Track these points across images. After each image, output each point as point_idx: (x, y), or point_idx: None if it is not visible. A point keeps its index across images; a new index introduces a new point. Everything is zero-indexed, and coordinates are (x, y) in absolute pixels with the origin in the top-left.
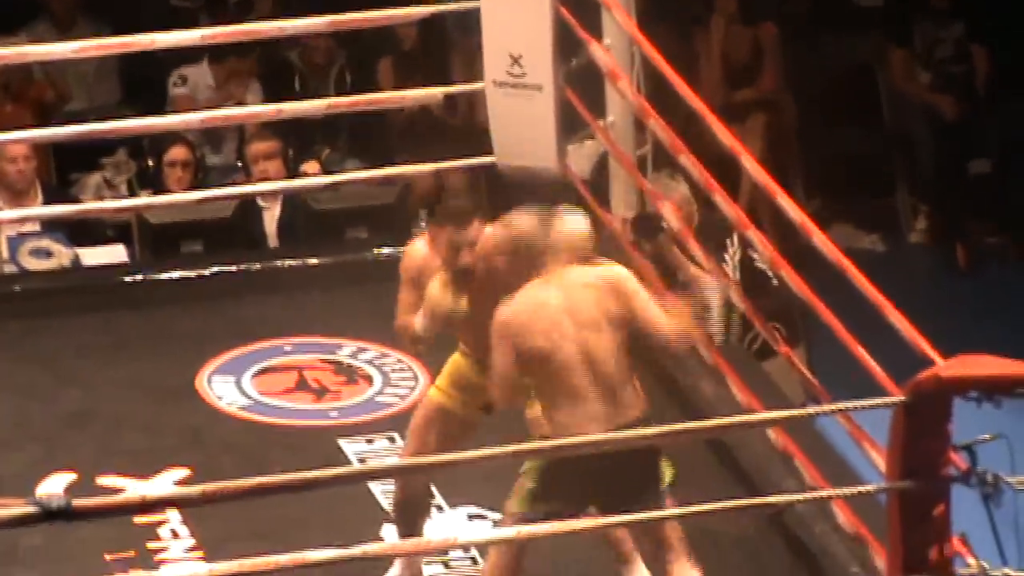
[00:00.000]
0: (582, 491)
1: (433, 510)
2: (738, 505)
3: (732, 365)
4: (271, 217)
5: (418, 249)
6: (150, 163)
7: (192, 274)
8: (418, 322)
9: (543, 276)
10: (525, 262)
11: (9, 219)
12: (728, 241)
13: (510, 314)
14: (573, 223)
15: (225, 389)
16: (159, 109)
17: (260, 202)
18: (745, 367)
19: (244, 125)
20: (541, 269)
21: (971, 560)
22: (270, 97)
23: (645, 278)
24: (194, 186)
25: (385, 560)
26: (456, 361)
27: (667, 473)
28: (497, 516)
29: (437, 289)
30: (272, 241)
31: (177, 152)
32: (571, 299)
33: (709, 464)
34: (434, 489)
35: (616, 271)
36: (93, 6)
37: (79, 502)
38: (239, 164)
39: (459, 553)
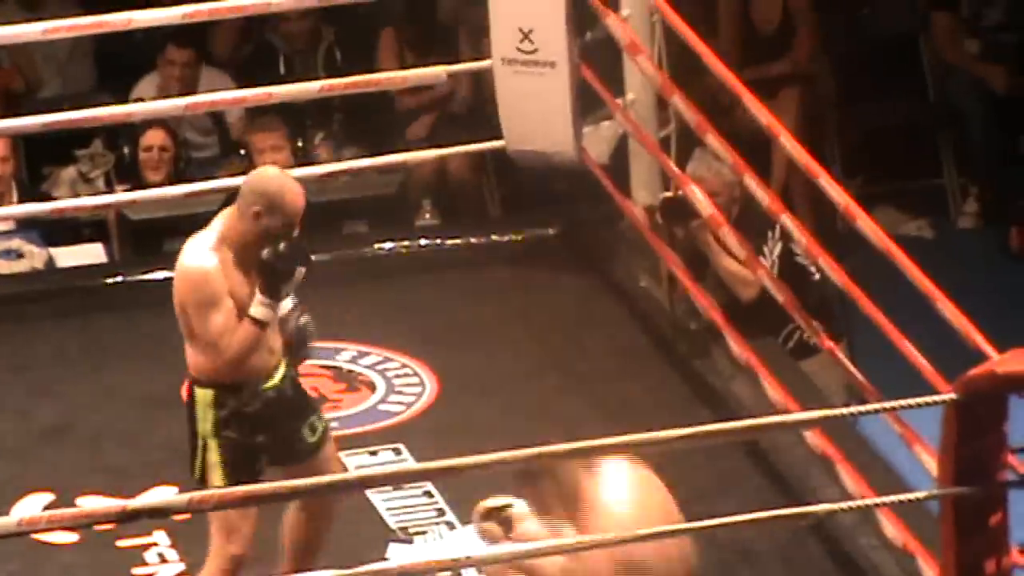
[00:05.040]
0: None
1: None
2: (775, 515)
3: (767, 364)
4: None
5: None
6: (126, 151)
7: None
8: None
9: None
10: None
11: None
12: (769, 232)
13: None
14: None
15: None
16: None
17: None
18: (781, 366)
19: (225, 115)
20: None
21: None
22: (252, 83)
23: (673, 267)
24: (175, 176)
25: None
26: None
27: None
28: None
29: None
30: None
31: (154, 136)
32: None
33: (743, 470)
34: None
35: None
36: None
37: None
38: (242, 152)
39: (471, 572)
